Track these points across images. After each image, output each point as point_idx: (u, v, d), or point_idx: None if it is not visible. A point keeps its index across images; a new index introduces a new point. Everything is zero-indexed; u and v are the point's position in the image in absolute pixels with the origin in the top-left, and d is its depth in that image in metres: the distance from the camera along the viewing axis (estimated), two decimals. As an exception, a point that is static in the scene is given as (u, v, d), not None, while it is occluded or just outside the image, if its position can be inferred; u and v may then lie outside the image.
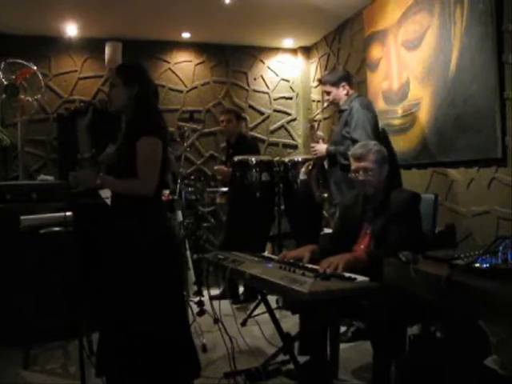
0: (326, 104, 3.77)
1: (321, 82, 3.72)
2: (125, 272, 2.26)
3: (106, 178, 2.26)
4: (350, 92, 3.61)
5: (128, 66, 2.53)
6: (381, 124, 3.86)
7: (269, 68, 5.85)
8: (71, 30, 4.96)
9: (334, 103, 3.67)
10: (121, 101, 2.34)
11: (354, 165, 2.65)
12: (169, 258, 2.35)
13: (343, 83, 3.58)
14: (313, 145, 3.71)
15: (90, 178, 2.26)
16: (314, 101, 5.84)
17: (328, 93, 3.64)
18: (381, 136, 3.62)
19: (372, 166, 2.59)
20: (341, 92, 3.59)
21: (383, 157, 2.64)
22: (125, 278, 2.26)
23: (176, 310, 2.39)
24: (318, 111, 4.16)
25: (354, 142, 3.28)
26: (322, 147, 3.62)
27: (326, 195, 3.71)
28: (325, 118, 5.39)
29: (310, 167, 3.76)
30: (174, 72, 5.56)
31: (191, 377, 2.41)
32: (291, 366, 2.68)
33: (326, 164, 3.79)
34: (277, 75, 5.88)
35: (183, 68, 5.59)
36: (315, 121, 5.10)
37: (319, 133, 3.91)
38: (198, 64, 5.64)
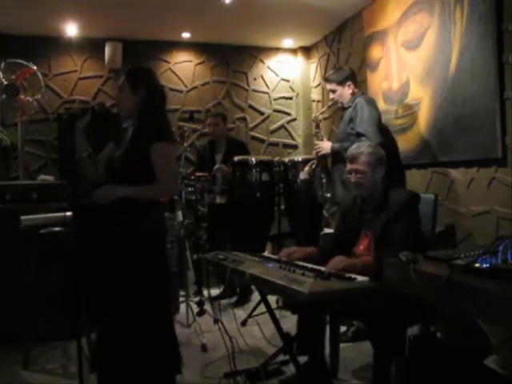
0: (330, 103, 3.77)
1: (326, 80, 3.72)
2: (119, 267, 2.32)
3: (129, 188, 2.28)
4: (355, 91, 3.62)
5: (136, 70, 2.53)
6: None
7: (269, 68, 5.85)
8: (71, 29, 4.96)
9: (339, 102, 3.67)
10: (128, 105, 2.38)
11: (347, 166, 2.65)
12: (159, 253, 2.39)
13: (349, 82, 3.59)
14: (317, 142, 3.71)
15: (111, 191, 2.28)
16: (314, 101, 5.83)
17: (333, 91, 3.64)
18: (385, 133, 3.60)
19: (364, 168, 2.55)
20: (346, 91, 3.59)
21: (377, 158, 2.59)
22: (119, 274, 2.32)
23: (161, 306, 2.42)
24: (324, 109, 4.15)
25: (359, 135, 3.32)
26: (326, 144, 3.62)
27: (328, 195, 3.70)
28: (325, 118, 5.38)
29: (313, 166, 3.75)
30: (174, 72, 5.56)
31: (174, 371, 2.43)
32: (291, 366, 2.68)
33: (329, 163, 3.79)
34: (277, 75, 5.88)
35: (183, 68, 5.59)
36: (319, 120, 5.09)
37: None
38: (198, 64, 5.63)
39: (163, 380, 2.39)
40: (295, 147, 5.90)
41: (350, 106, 3.54)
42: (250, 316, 3.72)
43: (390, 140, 3.70)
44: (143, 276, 2.30)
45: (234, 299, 4.31)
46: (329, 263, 2.35)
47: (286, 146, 5.88)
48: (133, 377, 2.28)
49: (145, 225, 2.33)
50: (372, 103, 3.53)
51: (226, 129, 4.69)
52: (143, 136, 2.31)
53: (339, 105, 3.70)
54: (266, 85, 5.84)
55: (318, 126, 3.88)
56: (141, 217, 2.33)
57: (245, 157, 4.15)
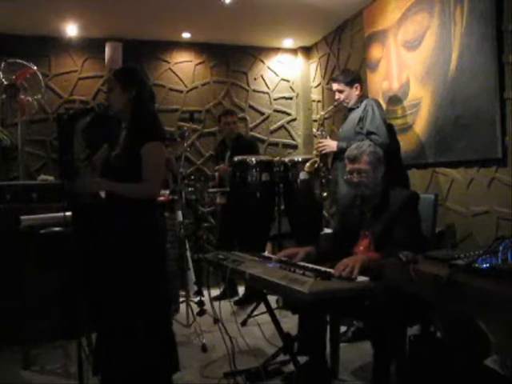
0: (336, 103, 3.81)
1: (334, 80, 3.77)
2: (117, 266, 2.34)
3: (114, 184, 2.28)
4: (361, 93, 3.71)
5: (125, 70, 2.58)
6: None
7: (269, 68, 5.85)
8: (71, 29, 4.96)
9: (344, 102, 3.71)
10: (119, 104, 2.40)
11: (348, 166, 2.66)
12: (156, 252, 2.40)
13: (356, 84, 3.69)
14: (321, 140, 3.74)
15: (95, 183, 2.31)
16: (314, 101, 5.83)
17: (340, 91, 3.70)
18: (389, 134, 3.63)
19: (366, 167, 2.57)
20: (353, 92, 3.68)
21: (378, 158, 2.62)
22: (117, 273, 2.33)
23: (157, 304, 2.42)
24: (329, 108, 4.17)
25: (369, 134, 3.41)
26: (332, 142, 3.67)
27: (325, 194, 3.72)
28: (325, 118, 5.37)
29: (316, 165, 3.76)
30: (174, 72, 5.55)
31: (171, 371, 2.43)
32: (291, 366, 2.68)
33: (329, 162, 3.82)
34: (277, 75, 5.88)
35: (183, 68, 5.59)
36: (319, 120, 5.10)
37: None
38: (198, 64, 5.63)
39: (161, 380, 2.40)
40: (295, 147, 5.90)
41: (357, 107, 3.61)
42: (249, 316, 3.72)
43: (394, 140, 3.73)
44: (140, 275, 2.31)
45: (235, 298, 4.31)
46: (337, 267, 2.25)
47: (286, 145, 5.87)
48: (132, 377, 2.28)
49: (142, 224, 2.34)
50: (380, 106, 3.65)
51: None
52: (136, 135, 2.32)
53: (344, 105, 3.74)
54: (266, 85, 5.84)
55: (322, 125, 3.92)
56: (138, 216, 2.34)
57: (244, 157, 4.15)
